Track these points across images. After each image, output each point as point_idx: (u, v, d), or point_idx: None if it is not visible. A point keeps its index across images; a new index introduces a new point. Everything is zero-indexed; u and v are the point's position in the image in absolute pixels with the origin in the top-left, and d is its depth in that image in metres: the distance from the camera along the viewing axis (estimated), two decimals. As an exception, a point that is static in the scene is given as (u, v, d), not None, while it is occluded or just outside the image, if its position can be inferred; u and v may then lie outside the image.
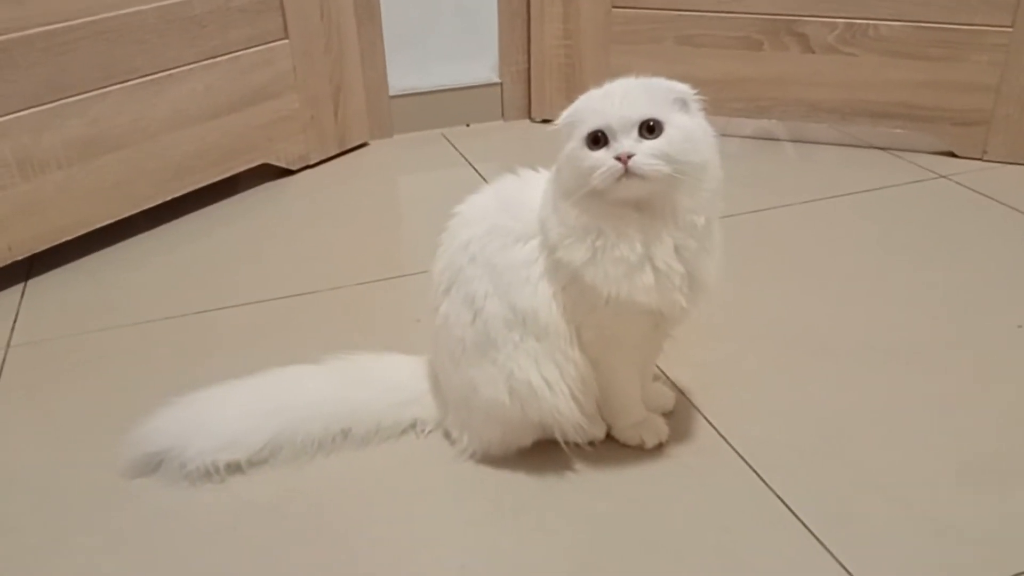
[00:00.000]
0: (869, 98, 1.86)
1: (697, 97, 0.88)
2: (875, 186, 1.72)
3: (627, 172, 0.82)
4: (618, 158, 0.82)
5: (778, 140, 1.98)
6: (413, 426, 1.06)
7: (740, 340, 1.24)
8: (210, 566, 0.89)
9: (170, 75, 1.58)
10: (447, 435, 1.05)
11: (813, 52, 1.86)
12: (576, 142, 0.86)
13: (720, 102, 1.91)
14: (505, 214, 0.95)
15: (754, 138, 1.98)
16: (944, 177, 1.76)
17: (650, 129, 0.83)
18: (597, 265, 0.87)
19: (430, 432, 1.05)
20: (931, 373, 1.16)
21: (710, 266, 0.91)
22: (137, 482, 0.99)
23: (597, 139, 0.84)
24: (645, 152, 0.83)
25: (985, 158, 1.82)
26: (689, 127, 0.85)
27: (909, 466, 1.00)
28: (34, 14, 1.38)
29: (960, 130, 1.82)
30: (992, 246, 1.50)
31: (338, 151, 1.95)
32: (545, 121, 2.08)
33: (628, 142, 0.83)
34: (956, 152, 1.84)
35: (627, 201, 0.85)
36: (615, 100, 0.84)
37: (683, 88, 0.87)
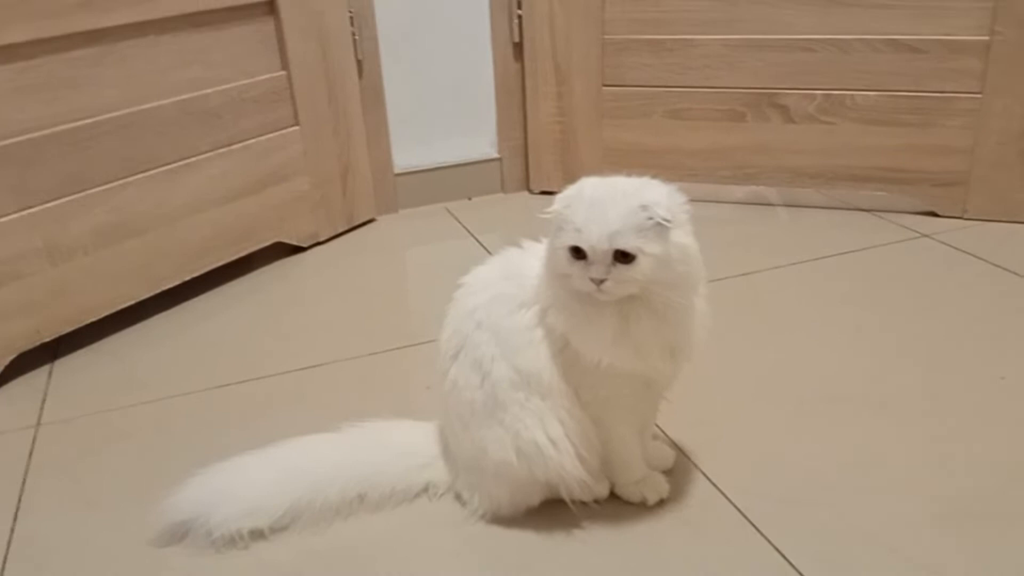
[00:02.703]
0: (850, 163, 1.95)
1: (683, 210, 0.91)
2: (860, 247, 1.80)
3: (600, 290, 0.90)
4: (592, 279, 0.89)
5: (766, 204, 2.06)
6: (426, 489, 1.10)
7: (734, 398, 1.30)
8: (237, 629, 0.93)
9: (188, 164, 1.67)
10: (458, 497, 1.09)
11: (794, 122, 1.96)
12: (560, 244, 0.91)
13: (708, 170, 2.01)
14: (508, 282, 1.01)
15: (743, 203, 2.06)
16: (927, 236, 1.83)
17: (624, 255, 0.89)
18: (579, 332, 0.94)
19: (442, 495, 1.10)
20: (917, 423, 1.22)
21: (691, 336, 0.97)
22: (167, 550, 1.04)
23: (578, 251, 0.90)
24: (616, 278, 0.89)
25: (966, 216, 1.89)
26: (663, 254, 0.89)
27: (895, 512, 1.05)
28: (61, 112, 1.47)
29: (940, 191, 1.91)
30: (974, 301, 1.56)
31: (347, 227, 2.03)
32: (543, 192, 2.18)
33: (601, 268, 0.89)
34: (937, 212, 1.92)
35: None
36: (593, 226, 0.88)
37: (661, 212, 0.88)
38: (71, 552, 1.06)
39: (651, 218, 0.88)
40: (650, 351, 0.94)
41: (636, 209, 0.88)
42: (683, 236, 0.91)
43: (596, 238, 0.88)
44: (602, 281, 0.89)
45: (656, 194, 0.91)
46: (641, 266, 0.89)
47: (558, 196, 0.94)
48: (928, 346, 1.42)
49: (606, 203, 0.89)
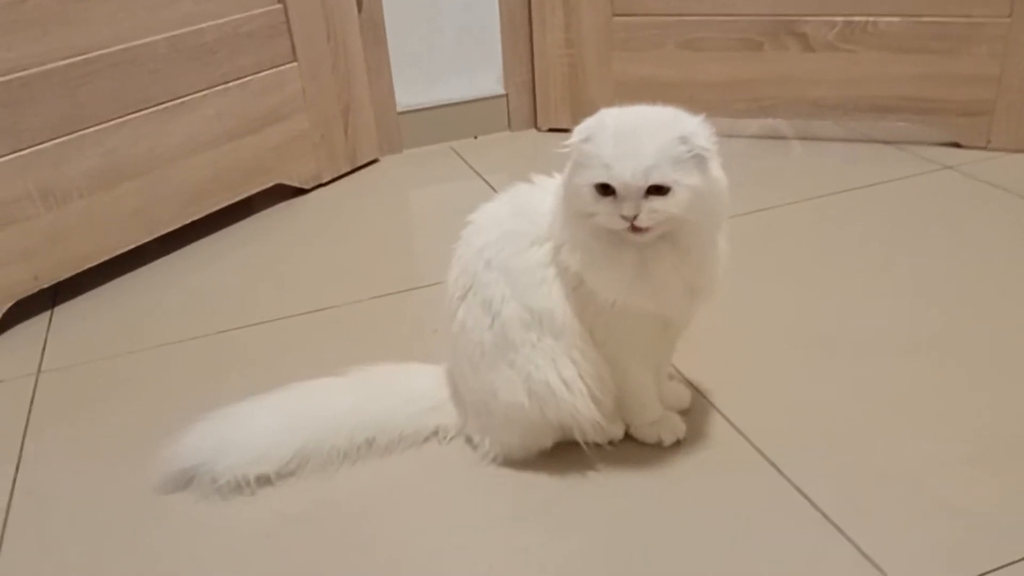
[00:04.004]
0: (871, 93, 1.88)
1: (713, 143, 0.86)
2: (881, 180, 1.74)
3: (632, 228, 0.85)
4: (624, 216, 0.84)
5: (783, 138, 2.00)
6: (435, 433, 1.08)
7: (753, 337, 1.26)
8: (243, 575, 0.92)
9: (183, 103, 1.62)
10: (468, 440, 1.07)
11: (813, 51, 1.88)
12: (584, 181, 0.86)
13: (724, 103, 1.94)
14: (519, 219, 0.97)
15: (759, 137, 1.99)
16: (950, 168, 1.77)
17: (658, 189, 0.84)
18: (596, 272, 0.90)
19: (452, 439, 1.08)
20: (943, 362, 1.18)
21: (713, 275, 0.93)
22: (171, 497, 1.02)
23: (605, 188, 0.85)
24: (650, 213, 0.84)
25: (990, 147, 1.83)
26: (699, 186, 0.85)
27: (923, 453, 1.01)
28: (51, 49, 1.42)
29: (964, 121, 1.84)
30: (1001, 235, 1.51)
31: (349, 168, 1.98)
32: (552, 130, 2.11)
33: (632, 204, 0.84)
34: (961, 142, 1.85)
35: None
36: (624, 160, 0.83)
37: (701, 142, 0.84)
38: (74, 500, 1.04)
39: (690, 150, 0.83)
40: (669, 290, 0.90)
41: (673, 141, 0.84)
42: (717, 169, 0.87)
43: (630, 174, 0.83)
44: (635, 217, 0.84)
45: (692, 124, 0.86)
46: (677, 199, 0.84)
47: (576, 129, 0.88)
48: (954, 283, 1.37)
49: (638, 135, 0.84)
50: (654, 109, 0.89)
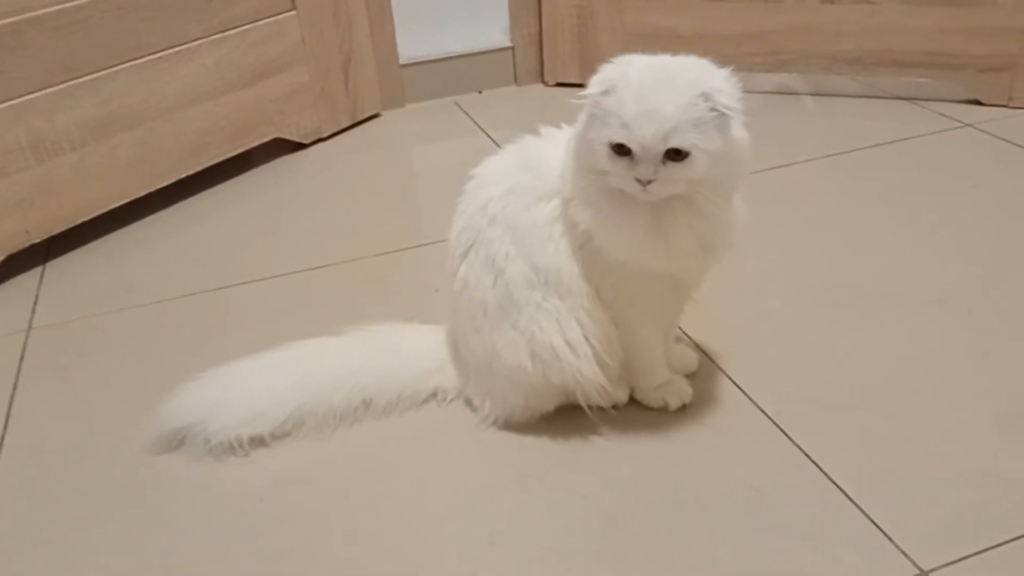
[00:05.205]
0: (892, 47, 1.81)
1: (738, 100, 0.81)
2: (900, 137, 1.68)
3: (646, 190, 0.81)
4: (638, 179, 0.80)
5: (799, 95, 1.94)
6: (434, 395, 1.05)
7: (764, 298, 1.22)
8: (237, 538, 0.89)
9: (179, 51, 1.57)
10: (469, 403, 1.04)
11: (833, 2, 1.81)
12: (599, 138, 0.81)
13: (739, 57, 1.87)
14: (526, 173, 0.93)
15: (775, 93, 1.93)
16: (970, 126, 1.71)
17: (676, 153, 0.79)
18: (606, 229, 0.86)
19: (452, 400, 1.05)
20: (961, 323, 1.14)
21: (728, 233, 0.89)
22: (163, 458, 0.99)
23: (621, 148, 0.81)
24: (665, 178, 0.80)
25: (1011, 104, 1.77)
26: (720, 150, 0.80)
27: (942, 417, 0.98)
28: (42, -7, 1.38)
29: (986, 77, 1.77)
30: (1021, 193, 1.46)
31: (350, 123, 1.93)
32: (559, 85, 2.05)
33: (650, 168, 0.80)
34: (982, 100, 1.79)
35: None
36: (645, 122, 0.78)
37: (725, 100, 0.79)
38: (64, 459, 1.02)
39: (713, 109, 0.78)
40: (683, 249, 0.86)
41: (696, 99, 0.78)
42: (739, 128, 0.83)
43: (650, 137, 0.78)
44: (649, 182, 0.79)
45: (717, 80, 0.81)
46: (695, 164, 0.80)
47: (594, 79, 0.83)
48: (973, 242, 1.33)
49: (659, 92, 0.79)
50: (679, 60, 0.83)
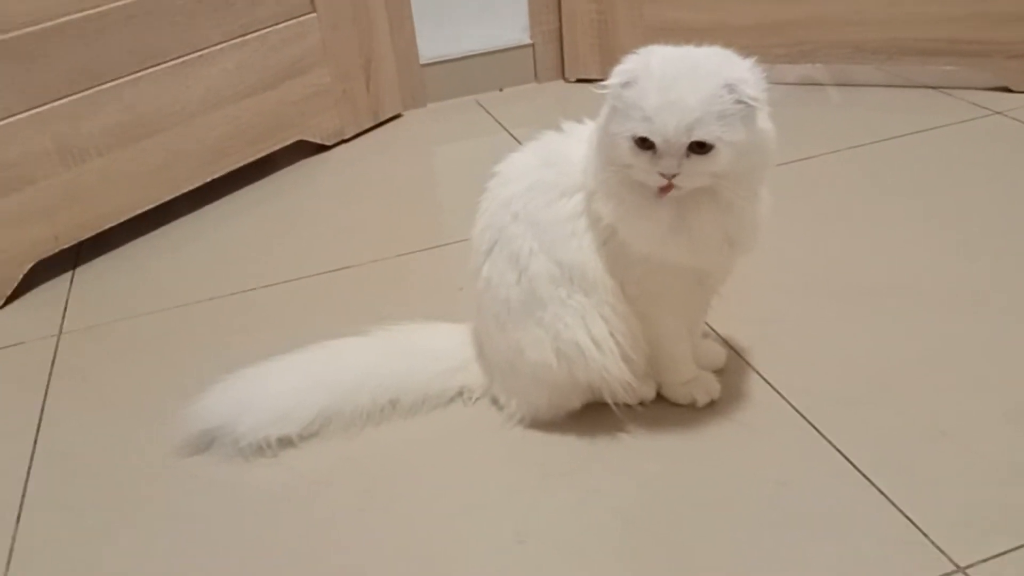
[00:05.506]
0: (916, 35, 1.78)
1: (763, 91, 0.80)
2: (926, 127, 1.65)
3: (663, 189, 0.80)
4: (662, 173, 0.79)
5: (823, 85, 1.91)
6: (460, 394, 1.05)
7: (791, 292, 1.21)
8: (266, 538, 0.90)
9: (201, 56, 1.58)
10: (494, 401, 1.04)
11: (855, -11, 1.79)
12: (621, 131, 0.81)
13: (762, 48, 1.82)
14: (548, 169, 0.92)
15: (798, 84, 1.91)
16: (999, 113, 1.68)
17: (700, 146, 0.79)
18: (630, 223, 0.85)
19: (477, 399, 1.05)
20: (987, 316, 1.12)
21: (754, 226, 0.88)
22: (192, 459, 1.00)
23: (644, 141, 0.80)
24: (688, 172, 0.79)
25: (1042, 91, 1.74)
26: (745, 142, 0.79)
27: (965, 409, 0.96)
28: (66, 1, 1.38)
29: (1014, 63, 1.74)
30: (1054, 182, 1.43)
31: (372, 124, 1.93)
32: (580, 81, 2.04)
33: (673, 162, 0.79)
34: (1011, 87, 1.76)
35: None
36: (668, 115, 0.77)
37: (750, 91, 0.78)
38: (95, 462, 1.03)
39: (738, 100, 0.77)
40: (708, 243, 0.85)
41: (720, 91, 0.77)
42: (765, 120, 0.82)
43: (673, 130, 0.77)
44: (673, 176, 0.79)
45: (741, 70, 0.80)
46: (719, 157, 0.79)
47: (616, 70, 0.82)
48: (1002, 234, 1.30)
49: (682, 84, 0.78)
50: (702, 51, 0.82)
